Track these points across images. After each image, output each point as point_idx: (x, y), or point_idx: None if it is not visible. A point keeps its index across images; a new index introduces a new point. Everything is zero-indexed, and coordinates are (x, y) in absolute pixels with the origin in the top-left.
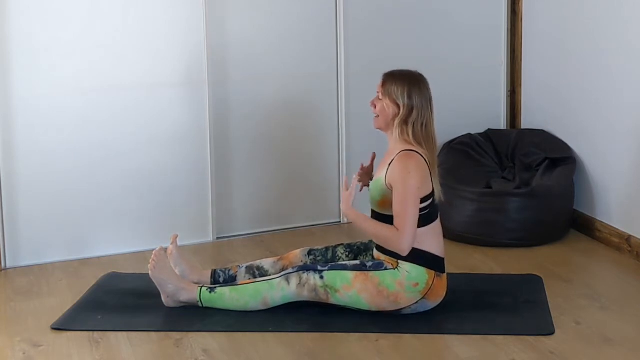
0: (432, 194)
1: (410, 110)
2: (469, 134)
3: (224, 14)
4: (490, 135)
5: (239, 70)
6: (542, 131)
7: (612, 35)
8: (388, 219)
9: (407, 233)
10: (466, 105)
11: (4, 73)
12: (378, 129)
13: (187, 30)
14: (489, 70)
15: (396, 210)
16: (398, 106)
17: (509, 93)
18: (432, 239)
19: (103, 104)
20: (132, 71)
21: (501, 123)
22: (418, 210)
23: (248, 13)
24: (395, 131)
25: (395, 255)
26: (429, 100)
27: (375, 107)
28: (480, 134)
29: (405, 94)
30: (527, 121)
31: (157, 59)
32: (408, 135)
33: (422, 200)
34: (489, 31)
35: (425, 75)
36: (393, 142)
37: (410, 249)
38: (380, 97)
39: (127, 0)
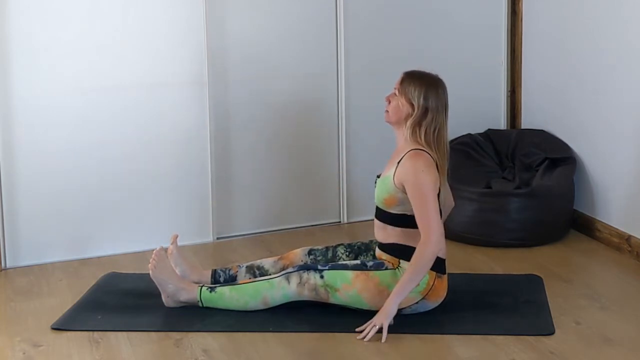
0: (438, 196)
1: (424, 112)
2: (469, 134)
3: (224, 14)
4: (490, 135)
5: (239, 70)
6: (542, 131)
7: (612, 35)
8: (392, 217)
9: (435, 233)
10: (466, 105)
11: (4, 73)
12: (388, 122)
13: (187, 30)
14: (489, 70)
15: (419, 214)
16: (412, 106)
17: (509, 93)
18: None
19: (103, 104)
20: (132, 71)
21: (501, 123)
22: (438, 205)
23: (248, 13)
24: (407, 131)
25: (397, 255)
26: (444, 105)
27: (389, 102)
28: (480, 134)
29: (422, 95)
30: (527, 121)
31: (157, 59)
32: (420, 137)
33: None
34: (489, 31)
35: None
36: (403, 141)
37: (443, 243)
38: (396, 94)
39: (127, 0)
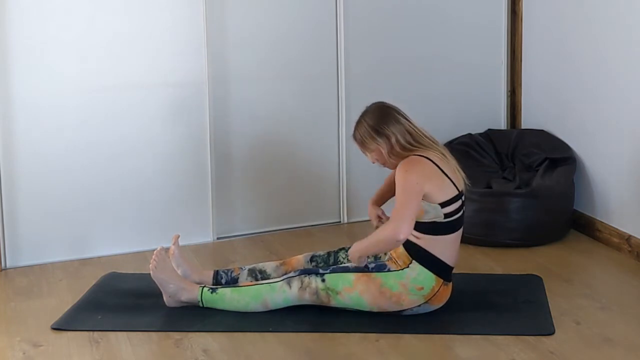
0: (455, 198)
1: (388, 139)
2: (469, 134)
3: (224, 14)
4: (490, 135)
5: (239, 70)
6: (542, 131)
7: (612, 35)
8: (425, 226)
9: (404, 232)
10: (466, 105)
11: (4, 73)
12: (394, 168)
13: (187, 30)
14: (489, 70)
15: (396, 206)
16: (380, 146)
17: (509, 93)
18: (450, 249)
19: (103, 104)
20: (132, 71)
21: (501, 123)
22: (418, 204)
23: (248, 13)
24: (396, 158)
25: (413, 255)
26: (395, 115)
27: (376, 161)
28: (480, 134)
29: (374, 134)
30: (527, 121)
31: (157, 59)
32: (404, 151)
33: (444, 204)
34: (489, 31)
35: (425, 75)
36: None
37: (406, 237)
38: (368, 154)
39: (127, 0)
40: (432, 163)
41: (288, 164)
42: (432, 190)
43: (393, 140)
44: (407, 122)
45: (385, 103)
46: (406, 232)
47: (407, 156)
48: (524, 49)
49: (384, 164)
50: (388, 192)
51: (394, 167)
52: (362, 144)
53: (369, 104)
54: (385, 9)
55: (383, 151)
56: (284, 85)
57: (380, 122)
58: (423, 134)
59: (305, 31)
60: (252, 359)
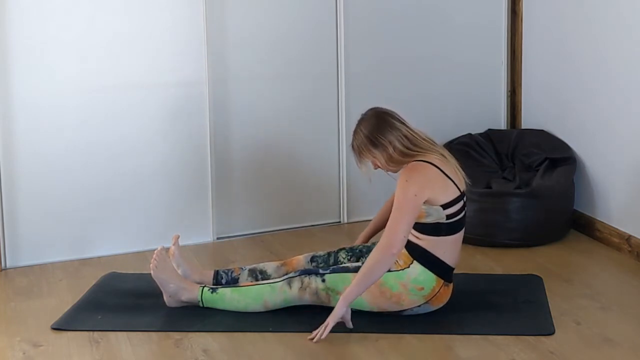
0: (457, 199)
1: (385, 149)
2: (469, 134)
3: (224, 14)
4: (490, 135)
5: (239, 70)
6: (542, 131)
7: (612, 35)
8: (426, 227)
9: (397, 247)
10: (466, 105)
11: (4, 73)
12: (396, 172)
13: (187, 30)
14: (489, 70)
15: (390, 221)
16: (377, 158)
17: (509, 93)
18: (451, 250)
19: (103, 104)
20: (132, 71)
21: (501, 123)
22: (413, 218)
23: (248, 13)
24: (396, 165)
25: (414, 256)
26: (390, 121)
27: (378, 167)
28: (480, 134)
29: (370, 145)
30: (527, 121)
31: (157, 59)
32: (404, 158)
33: (446, 206)
34: (489, 31)
35: (425, 75)
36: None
37: (400, 251)
38: (370, 163)
39: (127, 0)
40: (434, 167)
41: (288, 163)
42: (434, 194)
43: (390, 150)
44: (403, 126)
45: (381, 109)
46: (399, 245)
47: (408, 162)
48: (524, 49)
49: (390, 170)
50: (380, 225)
51: (396, 171)
52: (360, 154)
53: (364, 110)
54: (385, 9)
55: (380, 162)
56: (284, 85)
57: (375, 130)
58: (421, 136)
59: (305, 31)
60: (252, 359)
